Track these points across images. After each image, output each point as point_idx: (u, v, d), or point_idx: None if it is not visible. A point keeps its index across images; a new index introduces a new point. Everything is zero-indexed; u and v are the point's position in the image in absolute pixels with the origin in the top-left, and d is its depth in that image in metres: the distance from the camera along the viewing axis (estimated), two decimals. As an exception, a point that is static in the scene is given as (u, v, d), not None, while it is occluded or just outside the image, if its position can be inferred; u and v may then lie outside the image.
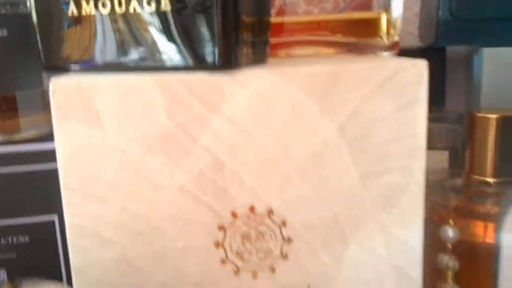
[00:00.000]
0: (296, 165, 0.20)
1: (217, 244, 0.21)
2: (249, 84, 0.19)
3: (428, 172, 0.34)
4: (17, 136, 0.27)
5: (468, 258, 0.29)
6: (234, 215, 0.21)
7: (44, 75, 0.27)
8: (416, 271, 0.22)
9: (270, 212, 0.21)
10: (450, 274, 0.29)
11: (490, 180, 0.29)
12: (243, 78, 0.19)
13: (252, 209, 0.21)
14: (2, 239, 0.26)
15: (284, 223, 0.21)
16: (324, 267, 0.21)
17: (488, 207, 0.28)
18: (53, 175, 0.26)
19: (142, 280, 0.21)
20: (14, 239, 0.26)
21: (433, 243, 0.31)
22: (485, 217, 0.28)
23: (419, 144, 0.20)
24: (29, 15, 0.20)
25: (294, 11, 0.25)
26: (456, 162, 0.35)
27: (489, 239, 0.28)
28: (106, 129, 0.19)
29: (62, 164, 0.20)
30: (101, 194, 0.20)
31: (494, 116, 0.28)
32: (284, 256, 0.21)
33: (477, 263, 0.28)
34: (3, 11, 0.26)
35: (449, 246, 0.28)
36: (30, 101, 0.28)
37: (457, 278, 0.29)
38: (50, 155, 0.25)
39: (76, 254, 0.21)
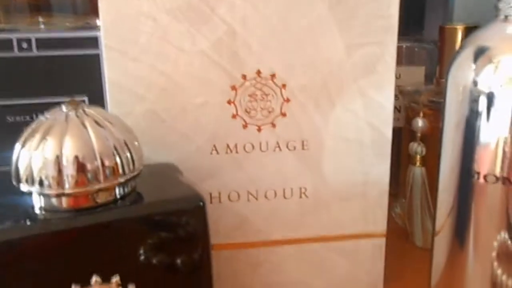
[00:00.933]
0: (294, 36, 0.25)
1: (229, 102, 0.26)
2: (259, -36, 0.24)
3: (406, 84, 0.39)
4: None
5: (433, 144, 0.34)
6: (244, 77, 0.25)
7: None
8: (387, 129, 0.27)
9: (273, 76, 0.25)
10: (418, 158, 0.34)
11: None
12: (254, -41, 0.24)
13: (258, 72, 0.25)
14: (37, 115, 0.30)
15: (284, 86, 0.26)
16: (315, 125, 0.26)
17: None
18: (85, 60, 0.31)
19: (166, 131, 0.26)
20: (51, 115, 0.31)
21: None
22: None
23: (392, 23, 0.25)
24: None
25: None
26: (431, 78, 0.40)
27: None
28: (142, -1, 0.24)
29: (104, 27, 0.24)
30: (135, 55, 0.24)
31: (460, 26, 0.34)
32: (283, 114, 0.26)
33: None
34: None
35: (419, 135, 0.34)
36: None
37: (423, 162, 0.34)
38: (85, 42, 0.30)
39: (113, 106, 0.25)
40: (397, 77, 0.35)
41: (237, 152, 0.26)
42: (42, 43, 0.29)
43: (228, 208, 0.27)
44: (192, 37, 0.24)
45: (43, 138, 0.20)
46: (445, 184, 0.25)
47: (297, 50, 0.25)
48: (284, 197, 0.28)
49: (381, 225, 0.29)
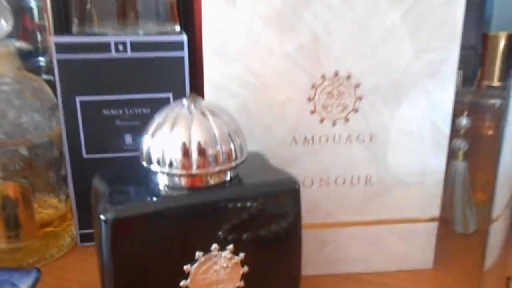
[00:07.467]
0: (370, 42, 0.28)
1: (309, 99, 0.29)
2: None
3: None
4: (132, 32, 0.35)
5: (475, 141, 0.38)
6: (323, 77, 0.29)
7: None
8: (445, 125, 0.30)
9: (349, 77, 0.29)
10: (460, 153, 0.38)
11: (497, 84, 0.38)
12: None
13: (336, 73, 0.29)
14: (130, 110, 0.34)
15: (357, 85, 0.29)
16: (383, 120, 0.30)
17: (494, 102, 0.38)
18: (172, 62, 0.34)
19: (254, 122, 0.29)
20: (139, 110, 0.34)
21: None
22: (491, 109, 0.37)
23: (457, 29, 0.29)
24: None
25: None
26: (467, 82, 0.44)
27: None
28: (239, 7, 0.27)
29: (205, 31, 0.28)
30: (231, 57, 0.28)
31: (503, 34, 0.37)
32: (355, 110, 0.30)
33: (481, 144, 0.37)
34: None
35: (462, 132, 0.37)
36: (147, 7, 0.35)
37: (465, 156, 0.38)
38: (170, 46, 0.33)
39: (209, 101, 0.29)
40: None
41: (313, 143, 0.30)
42: (135, 46, 0.33)
43: (303, 193, 0.31)
44: (280, 41, 0.28)
45: (172, 127, 0.23)
46: (505, 177, 0.28)
47: (372, 54, 0.29)
48: (351, 183, 0.31)
49: (435, 211, 0.32)
